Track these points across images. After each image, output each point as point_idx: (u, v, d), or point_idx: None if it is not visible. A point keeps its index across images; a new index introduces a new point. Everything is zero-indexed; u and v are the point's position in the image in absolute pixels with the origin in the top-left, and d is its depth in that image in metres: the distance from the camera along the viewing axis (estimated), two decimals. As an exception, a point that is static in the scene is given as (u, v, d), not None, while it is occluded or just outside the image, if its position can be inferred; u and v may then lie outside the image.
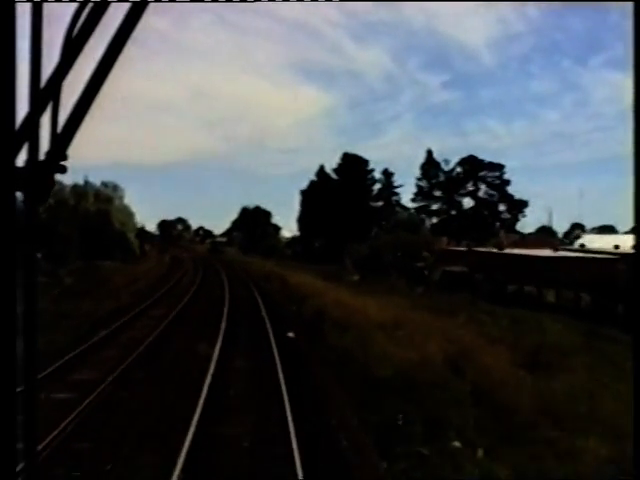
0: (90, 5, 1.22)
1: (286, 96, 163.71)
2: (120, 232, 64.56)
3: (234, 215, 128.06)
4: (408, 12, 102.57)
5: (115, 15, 1.23)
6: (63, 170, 1.26)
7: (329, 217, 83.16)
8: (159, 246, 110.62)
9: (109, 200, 67.03)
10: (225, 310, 23.49)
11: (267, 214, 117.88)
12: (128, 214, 69.19)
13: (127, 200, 69.61)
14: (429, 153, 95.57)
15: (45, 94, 1.23)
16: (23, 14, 1.20)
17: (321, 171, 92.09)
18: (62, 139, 1.25)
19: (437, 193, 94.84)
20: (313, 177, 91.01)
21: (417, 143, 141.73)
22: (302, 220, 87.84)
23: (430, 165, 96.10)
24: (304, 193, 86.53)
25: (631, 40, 1.33)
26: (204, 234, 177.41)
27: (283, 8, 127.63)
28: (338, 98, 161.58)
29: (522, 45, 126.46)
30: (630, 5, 1.34)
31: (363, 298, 27.20)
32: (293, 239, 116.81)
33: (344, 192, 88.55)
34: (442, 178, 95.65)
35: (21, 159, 1.23)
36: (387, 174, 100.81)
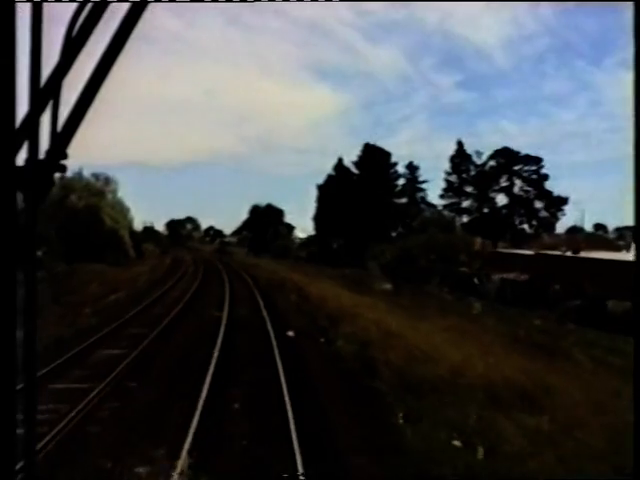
0: (90, 5, 1.24)
1: (299, 96, 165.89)
2: (111, 230, 55.01)
3: (245, 215, 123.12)
4: (422, 12, 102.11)
5: (115, 15, 1.24)
6: (63, 169, 1.27)
7: (348, 215, 73.02)
8: (164, 246, 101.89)
9: (101, 194, 57.59)
10: (217, 347, 16.54)
11: (279, 212, 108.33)
12: (121, 210, 59.80)
13: (127, 197, 60.19)
14: (459, 145, 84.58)
15: (45, 93, 1.24)
16: (23, 14, 1.21)
17: (339, 165, 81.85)
18: (62, 138, 1.27)
19: (468, 189, 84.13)
20: (328, 175, 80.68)
21: (430, 143, 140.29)
22: (318, 218, 77.98)
23: (461, 158, 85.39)
24: (321, 188, 76.61)
25: (631, 40, 1.36)
26: (214, 234, 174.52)
27: (296, 8, 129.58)
28: (351, 98, 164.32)
29: (536, 45, 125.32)
30: (630, 5, 1.36)
31: (414, 321, 21.55)
32: (308, 239, 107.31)
33: (365, 187, 78.19)
34: (473, 172, 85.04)
35: (21, 158, 1.24)
36: (412, 168, 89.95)
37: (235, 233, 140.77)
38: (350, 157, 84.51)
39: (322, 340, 18.50)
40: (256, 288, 35.21)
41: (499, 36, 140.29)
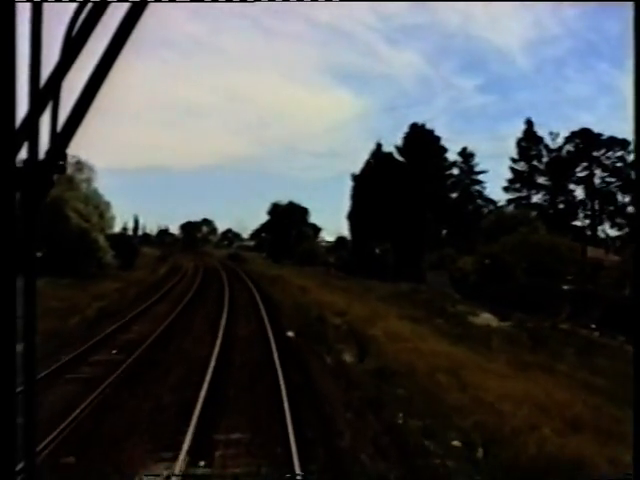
0: (90, 5, 1.26)
1: (319, 100, 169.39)
2: (80, 231, 36.64)
3: (265, 218, 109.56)
4: (443, 15, 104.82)
5: (115, 15, 1.27)
6: (62, 170, 1.29)
7: (393, 212, 54.84)
8: (164, 251, 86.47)
9: (69, 182, 40.43)
10: None
11: (303, 211, 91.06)
12: (97, 205, 42.76)
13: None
14: (529, 124, 66.13)
15: (45, 94, 1.26)
16: (23, 14, 1.24)
17: (378, 150, 63.82)
18: (62, 139, 1.28)
19: (540, 179, 66.21)
20: (367, 161, 64.23)
21: (451, 147, 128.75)
22: (354, 216, 60.10)
23: (530, 141, 66.11)
24: (357, 179, 58.96)
25: (631, 40, 1.36)
26: (232, 237, 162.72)
27: (317, 11, 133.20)
28: (372, 102, 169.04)
29: (558, 48, 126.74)
30: (630, 5, 1.36)
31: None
32: (337, 243, 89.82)
33: (413, 178, 59.80)
34: (546, 158, 66.74)
35: (21, 159, 1.27)
36: (465, 155, 71.59)
37: (253, 236, 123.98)
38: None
39: None
40: (274, 330, 17.61)
41: (521, 38, 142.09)
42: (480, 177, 76.32)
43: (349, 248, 79.25)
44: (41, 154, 1.26)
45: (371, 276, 54.80)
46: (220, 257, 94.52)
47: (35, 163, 1.24)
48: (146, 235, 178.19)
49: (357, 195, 65.64)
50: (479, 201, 77.60)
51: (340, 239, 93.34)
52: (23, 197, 1.23)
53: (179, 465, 8.70)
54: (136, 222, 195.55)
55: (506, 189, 72.19)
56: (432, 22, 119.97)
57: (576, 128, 70.30)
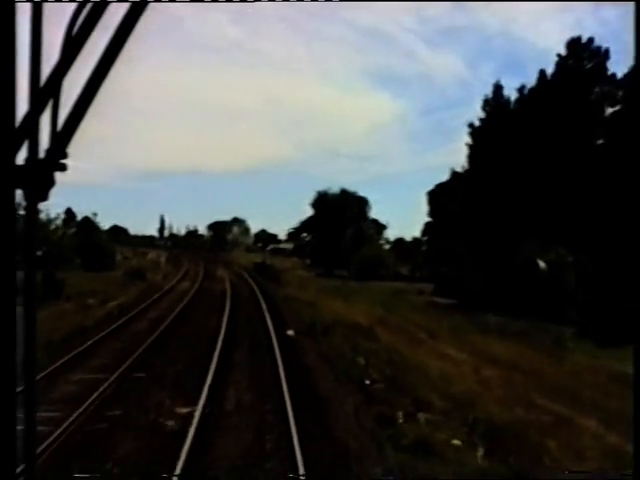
0: (90, 5, 1.35)
1: (358, 102, 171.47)
2: None
3: (306, 215, 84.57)
4: (483, 17, 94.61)
5: (115, 15, 1.35)
6: (63, 168, 1.35)
7: (567, 192, 19.46)
8: (176, 256, 62.05)
9: None
10: None
11: (361, 202, 62.16)
12: None
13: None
14: None
15: (45, 93, 1.32)
16: (23, 14, 1.32)
17: (497, 94, 29.64)
18: (62, 137, 1.34)
19: None
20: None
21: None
22: (467, 201, 26.72)
23: None
24: (475, 134, 25.81)
25: (632, 40, 1.39)
26: (267, 239, 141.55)
27: (356, 14, 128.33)
28: (411, 104, 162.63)
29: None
30: (631, 5, 1.39)
31: None
32: (396, 246, 73.03)
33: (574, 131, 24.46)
34: None
35: (21, 157, 1.36)
36: None
37: (291, 237, 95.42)
38: (408, 163, 41.55)
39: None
40: None
41: (561, 40, 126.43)
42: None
43: (424, 253, 53.58)
44: (41, 153, 1.33)
45: (536, 316, 25.22)
46: (244, 267, 66.04)
47: (35, 161, 1.26)
48: (172, 236, 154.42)
49: (477, 162, 36.39)
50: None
51: (398, 242, 72.51)
52: (23, 195, 1.28)
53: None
54: (162, 222, 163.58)
55: None
56: (471, 24, 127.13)
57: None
